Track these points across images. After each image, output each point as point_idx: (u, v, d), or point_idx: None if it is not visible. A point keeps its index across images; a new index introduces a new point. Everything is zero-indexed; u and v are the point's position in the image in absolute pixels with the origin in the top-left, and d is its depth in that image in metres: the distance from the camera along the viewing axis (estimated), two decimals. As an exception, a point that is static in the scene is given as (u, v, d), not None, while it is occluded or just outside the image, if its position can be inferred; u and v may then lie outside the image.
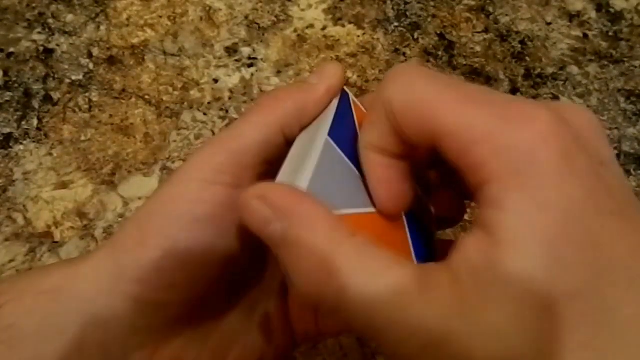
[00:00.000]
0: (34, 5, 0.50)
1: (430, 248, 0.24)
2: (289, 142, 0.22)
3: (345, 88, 0.26)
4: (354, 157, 0.22)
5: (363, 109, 0.26)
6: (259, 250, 0.24)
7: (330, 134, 0.22)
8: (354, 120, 0.24)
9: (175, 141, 0.44)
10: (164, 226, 0.20)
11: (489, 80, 0.47)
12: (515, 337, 0.14)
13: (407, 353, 0.16)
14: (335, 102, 0.25)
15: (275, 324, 0.25)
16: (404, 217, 0.23)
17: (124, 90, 0.46)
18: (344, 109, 0.25)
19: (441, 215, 0.26)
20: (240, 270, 0.23)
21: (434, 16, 0.51)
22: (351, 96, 0.26)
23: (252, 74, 0.47)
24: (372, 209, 0.22)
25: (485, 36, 0.50)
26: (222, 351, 0.23)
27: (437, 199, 0.26)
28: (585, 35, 0.50)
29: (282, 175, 0.19)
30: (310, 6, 0.51)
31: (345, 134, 0.23)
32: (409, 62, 0.18)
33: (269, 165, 0.22)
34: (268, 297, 0.25)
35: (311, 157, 0.20)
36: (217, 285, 0.22)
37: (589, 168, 0.16)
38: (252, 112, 0.23)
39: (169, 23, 0.49)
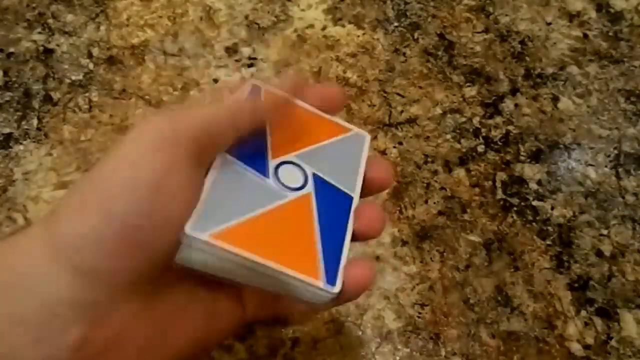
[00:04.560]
0: (34, 5, 0.50)
1: (342, 231, 0.25)
2: (237, 136, 0.24)
3: (257, 81, 0.27)
4: (262, 153, 0.25)
5: (278, 93, 0.28)
6: None
7: (229, 151, 0.25)
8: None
9: (175, 141, 0.44)
10: (104, 189, 0.20)
11: (489, 80, 0.47)
12: None
13: None
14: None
15: (222, 302, 0.25)
16: (315, 204, 0.25)
17: (124, 90, 0.46)
18: None
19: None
20: None
21: (434, 16, 0.51)
22: (264, 88, 0.27)
23: (252, 74, 0.47)
24: (275, 204, 0.24)
25: (485, 36, 0.50)
26: (165, 325, 0.23)
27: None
28: (585, 35, 0.50)
29: (196, 210, 0.22)
30: (310, 6, 0.51)
31: (248, 139, 0.25)
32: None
33: (208, 150, 0.23)
34: None
35: (201, 199, 0.23)
36: (161, 255, 0.22)
37: None
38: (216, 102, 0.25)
39: (169, 23, 0.49)
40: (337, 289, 0.24)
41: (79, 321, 0.20)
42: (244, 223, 0.23)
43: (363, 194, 0.27)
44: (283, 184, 0.25)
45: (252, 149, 0.25)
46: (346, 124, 0.30)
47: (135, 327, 0.22)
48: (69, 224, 0.20)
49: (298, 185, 0.25)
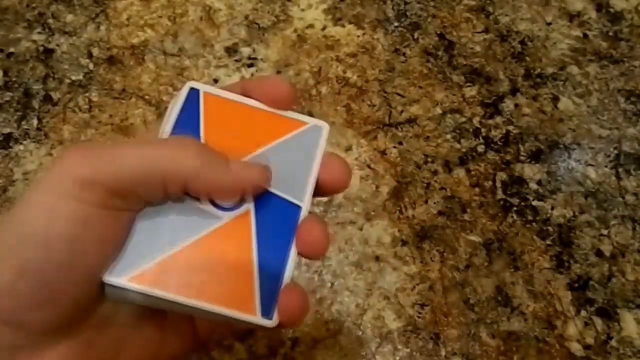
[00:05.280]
0: (34, 5, 0.50)
1: (283, 247, 0.23)
2: (166, 195, 0.22)
3: (195, 84, 0.25)
4: None
5: (227, 95, 0.25)
6: None
7: None
8: (198, 127, 0.24)
9: (175, 141, 0.44)
10: (18, 240, 0.19)
11: (489, 80, 0.47)
12: None
13: None
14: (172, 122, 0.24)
15: (170, 327, 0.24)
16: (254, 223, 0.23)
17: (124, 90, 0.46)
18: (187, 119, 0.24)
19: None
20: None
21: (434, 16, 0.51)
22: (203, 91, 0.25)
23: (252, 74, 0.47)
24: (207, 230, 0.22)
25: (485, 36, 0.50)
26: (110, 353, 0.22)
27: None
28: (585, 35, 0.50)
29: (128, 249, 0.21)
30: (310, 6, 0.51)
31: None
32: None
33: (135, 197, 0.21)
34: None
35: (128, 238, 0.22)
36: (86, 300, 0.21)
37: None
38: (153, 145, 0.22)
39: (169, 23, 0.49)
40: (273, 321, 0.22)
41: None
42: (169, 258, 0.21)
43: (318, 195, 0.25)
44: (217, 205, 0.23)
45: None
46: (301, 117, 0.26)
47: None
48: None
49: (235, 203, 0.23)
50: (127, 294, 0.21)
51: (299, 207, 0.24)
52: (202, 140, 0.24)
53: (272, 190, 0.24)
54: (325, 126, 0.26)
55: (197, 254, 0.22)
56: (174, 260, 0.22)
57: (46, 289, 0.19)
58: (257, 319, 0.22)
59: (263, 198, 0.24)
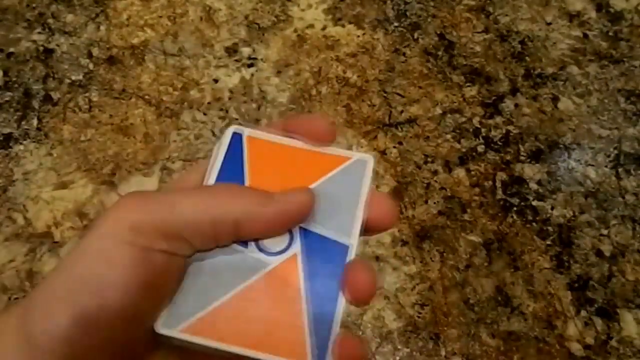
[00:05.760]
0: (34, 5, 0.50)
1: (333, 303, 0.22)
2: (216, 240, 0.22)
3: (238, 128, 0.25)
4: None
5: (269, 137, 0.25)
6: None
7: None
8: (242, 171, 0.24)
9: (175, 141, 0.44)
10: (74, 288, 0.20)
11: (489, 80, 0.47)
12: None
13: None
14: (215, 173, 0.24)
15: None
16: (302, 267, 0.23)
17: (124, 90, 0.46)
18: (232, 164, 0.24)
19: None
20: None
21: (434, 16, 0.51)
22: (246, 135, 0.25)
23: (252, 74, 0.47)
24: (255, 277, 0.22)
25: (485, 36, 0.50)
26: None
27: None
28: (585, 35, 0.50)
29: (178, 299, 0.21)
30: (310, 6, 0.51)
31: None
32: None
33: (185, 243, 0.21)
34: None
35: (179, 288, 0.22)
36: (142, 341, 0.21)
37: None
38: (204, 192, 0.22)
39: (169, 23, 0.49)
40: None
41: None
42: (219, 308, 0.22)
43: (363, 234, 0.24)
44: (264, 250, 0.23)
45: None
46: (345, 152, 0.25)
47: None
48: (40, 323, 0.20)
49: (282, 247, 0.23)
50: (179, 342, 0.21)
51: (347, 247, 0.23)
52: (247, 183, 0.24)
53: (319, 230, 0.24)
54: (370, 160, 0.25)
55: (247, 302, 0.22)
56: (224, 309, 0.22)
57: (100, 336, 0.20)
58: None
59: (310, 239, 0.23)
